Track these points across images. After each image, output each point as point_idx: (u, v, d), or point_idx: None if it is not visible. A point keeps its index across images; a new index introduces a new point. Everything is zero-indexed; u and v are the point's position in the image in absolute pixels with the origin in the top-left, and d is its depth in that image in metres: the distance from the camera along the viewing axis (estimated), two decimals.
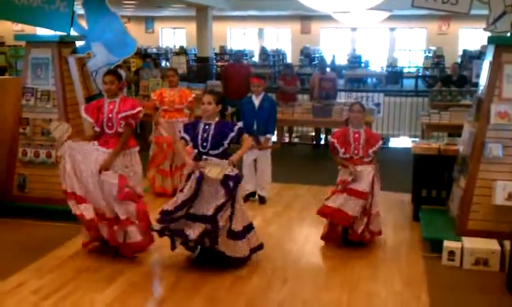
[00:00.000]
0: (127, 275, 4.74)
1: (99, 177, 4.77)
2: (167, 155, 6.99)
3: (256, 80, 6.89)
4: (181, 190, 4.70)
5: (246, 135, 4.86)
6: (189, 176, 4.68)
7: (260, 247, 5.03)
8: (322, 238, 5.48)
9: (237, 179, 4.66)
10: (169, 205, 4.67)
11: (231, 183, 4.59)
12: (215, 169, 4.53)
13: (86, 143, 4.95)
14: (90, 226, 4.93)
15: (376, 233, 5.45)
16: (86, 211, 4.81)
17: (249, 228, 4.92)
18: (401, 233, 5.81)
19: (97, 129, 5.00)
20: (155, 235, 4.90)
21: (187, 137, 4.79)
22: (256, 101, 6.71)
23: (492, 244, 4.98)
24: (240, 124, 4.90)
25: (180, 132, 4.98)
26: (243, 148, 4.82)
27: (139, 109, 5.00)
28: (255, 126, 6.61)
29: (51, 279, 4.67)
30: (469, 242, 5.02)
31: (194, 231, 4.56)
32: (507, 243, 4.81)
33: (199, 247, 4.89)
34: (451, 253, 5.01)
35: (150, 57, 13.21)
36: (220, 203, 4.55)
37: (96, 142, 4.95)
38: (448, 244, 5.05)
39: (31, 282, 4.61)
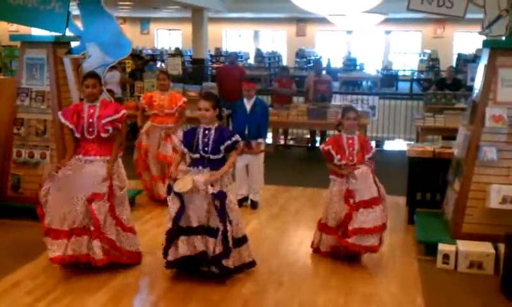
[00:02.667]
0: (120, 277, 4.72)
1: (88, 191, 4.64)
2: (147, 162, 6.78)
3: (247, 85, 6.71)
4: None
5: (234, 153, 4.70)
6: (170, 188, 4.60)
7: (252, 263, 4.85)
8: (313, 248, 5.32)
9: (221, 195, 4.50)
10: (168, 221, 4.64)
11: (217, 203, 4.47)
12: (182, 183, 4.48)
13: (70, 164, 4.73)
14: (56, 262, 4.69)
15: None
16: (57, 249, 4.61)
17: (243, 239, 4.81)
18: (396, 236, 5.81)
19: (77, 135, 4.80)
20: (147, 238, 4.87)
21: (186, 150, 4.71)
22: (248, 105, 6.60)
23: (486, 247, 5.00)
24: (238, 137, 4.72)
25: (180, 141, 4.83)
26: (225, 166, 4.62)
27: (123, 112, 4.86)
28: (246, 131, 6.49)
29: (45, 279, 4.64)
30: (463, 245, 5.03)
31: (196, 247, 4.52)
32: (501, 246, 4.81)
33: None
34: (446, 256, 5.02)
35: (153, 60, 13.19)
36: (222, 230, 4.46)
37: (79, 155, 4.76)
38: (442, 247, 5.06)
39: (25, 283, 4.58)
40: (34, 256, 5.07)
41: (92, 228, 4.64)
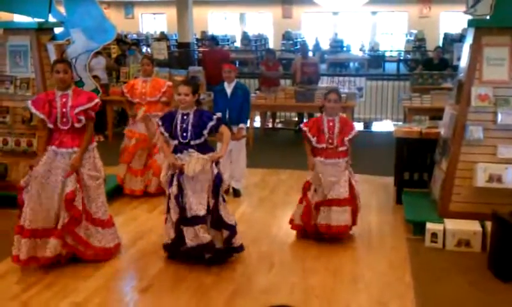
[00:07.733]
0: (111, 263, 4.72)
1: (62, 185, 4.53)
2: (135, 153, 6.53)
3: (228, 66, 6.53)
4: (169, 197, 4.60)
5: (224, 127, 4.65)
6: (172, 178, 4.54)
7: (240, 248, 4.78)
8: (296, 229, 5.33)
9: (220, 178, 4.55)
10: (166, 235, 4.69)
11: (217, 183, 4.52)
12: (191, 165, 4.40)
13: (46, 160, 4.58)
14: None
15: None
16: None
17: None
18: (384, 216, 5.86)
19: (50, 125, 4.61)
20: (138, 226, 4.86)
21: (166, 134, 4.61)
22: (229, 89, 6.43)
23: (474, 225, 5.06)
24: (219, 114, 4.71)
25: (158, 126, 4.69)
26: (224, 142, 4.63)
27: (96, 101, 4.66)
28: (227, 115, 6.26)
29: (34, 268, 4.60)
30: (451, 224, 5.09)
31: (191, 240, 4.50)
32: (488, 224, 4.88)
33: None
34: (434, 235, 5.07)
35: (136, 45, 13.05)
36: (211, 206, 4.50)
37: (53, 147, 4.59)
38: (430, 226, 5.11)
39: (13, 273, 4.56)
40: None
41: (60, 225, 4.50)
